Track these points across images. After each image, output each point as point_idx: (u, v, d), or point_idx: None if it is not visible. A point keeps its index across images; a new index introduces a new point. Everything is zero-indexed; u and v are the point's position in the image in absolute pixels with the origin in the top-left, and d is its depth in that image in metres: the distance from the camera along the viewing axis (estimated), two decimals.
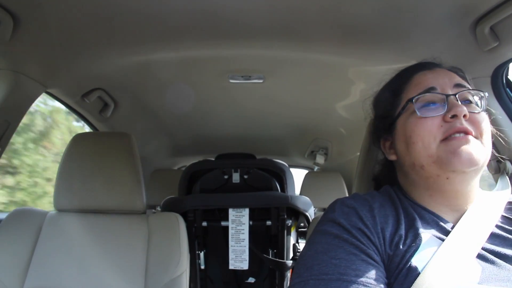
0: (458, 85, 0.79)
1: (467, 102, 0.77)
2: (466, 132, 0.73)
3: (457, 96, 0.76)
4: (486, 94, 0.80)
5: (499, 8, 1.00)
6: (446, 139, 0.73)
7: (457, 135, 0.73)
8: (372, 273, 0.64)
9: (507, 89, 1.26)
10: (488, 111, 0.80)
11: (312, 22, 1.23)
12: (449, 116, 0.73)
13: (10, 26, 1.13)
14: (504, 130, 1.08)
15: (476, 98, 0.79)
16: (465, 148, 0.71)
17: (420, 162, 0.76)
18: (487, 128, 0.76)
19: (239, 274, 2.13)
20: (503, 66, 1.21)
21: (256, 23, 1.26)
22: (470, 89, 0.79)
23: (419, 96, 0.78)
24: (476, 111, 0.76)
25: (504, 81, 1.26)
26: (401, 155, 0.81)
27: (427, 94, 0.78)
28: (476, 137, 0.74)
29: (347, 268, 0.65)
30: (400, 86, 0.84)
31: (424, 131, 0.75)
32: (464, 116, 0.73)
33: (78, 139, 1.46)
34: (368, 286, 0.63)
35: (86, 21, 1.22)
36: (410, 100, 0.78)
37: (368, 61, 1.50)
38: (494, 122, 0.84)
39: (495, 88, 1.24)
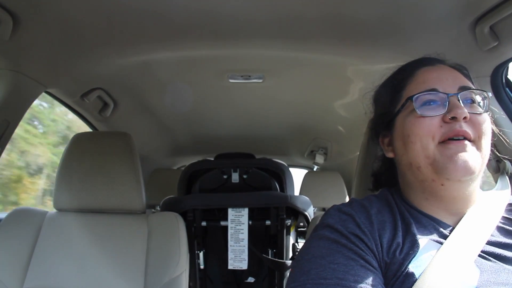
0: (461, 88, 0.76)
1: (469, 101, 0.75)
2: (465, 136, 0.71)
3: (459, 96, 0.74)
4: (490, 94, 0.78)
5: (499, 7, 1.00)
6: (444, 141, 0.72)
7: (455, 137, 0.71)
8: (371, 279, 0.63)
9: (507, 89, 1.26)
10: (490, 110, 0.78)
11: (311, 21, 1.23)
12: (449, 117, 0.72)
13: (9, 25, 1.13)
14: (504, 130, 1.08)
15: (478, 98, 0.77)
16: (462, 155, 0.70)
17: (417, 163, 0.74)
18: (487, 130, 0.74)
19: (239, 274, 2.13)
20: (502, 66, 1.21)
21: (256, 23, 1.26)
22: (473, 89, 0.77)
23: (419, 94, 0.76)
24: (477, 112, 0.74)
25: (504, 81, 1.26)
26: (399, 153, 0.80)
27: (427, 93, 0.76)
28: (474, 141, 0.72)
29: (346, 273, 0.63)
30: (402, 82, 0.82)
31: (423, 131, 0.73)
32: (465, 118, 0.71)
33: (78, 139, 1.45)
34: None
35: (86, 21, 1.22)
36: (410, 98, 0.76)
37: (367, 60, 1.50)
38: (494, 122, 0.83)
39: (494, 88, 1.24)
